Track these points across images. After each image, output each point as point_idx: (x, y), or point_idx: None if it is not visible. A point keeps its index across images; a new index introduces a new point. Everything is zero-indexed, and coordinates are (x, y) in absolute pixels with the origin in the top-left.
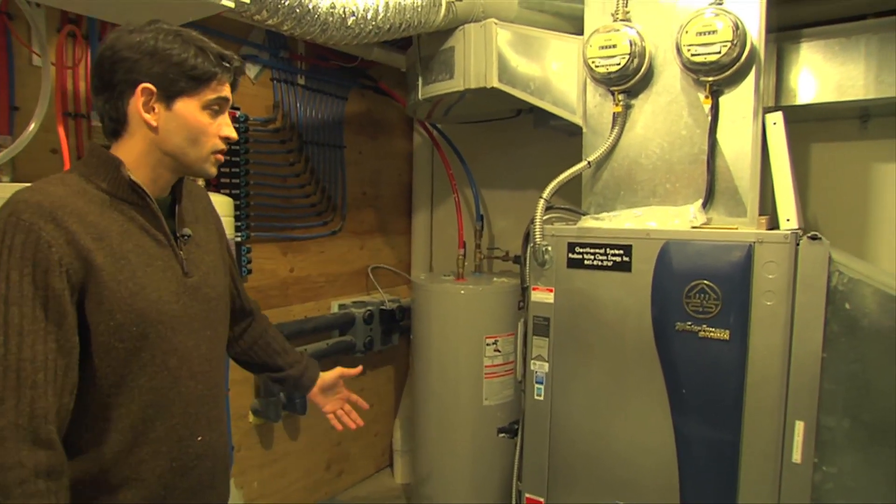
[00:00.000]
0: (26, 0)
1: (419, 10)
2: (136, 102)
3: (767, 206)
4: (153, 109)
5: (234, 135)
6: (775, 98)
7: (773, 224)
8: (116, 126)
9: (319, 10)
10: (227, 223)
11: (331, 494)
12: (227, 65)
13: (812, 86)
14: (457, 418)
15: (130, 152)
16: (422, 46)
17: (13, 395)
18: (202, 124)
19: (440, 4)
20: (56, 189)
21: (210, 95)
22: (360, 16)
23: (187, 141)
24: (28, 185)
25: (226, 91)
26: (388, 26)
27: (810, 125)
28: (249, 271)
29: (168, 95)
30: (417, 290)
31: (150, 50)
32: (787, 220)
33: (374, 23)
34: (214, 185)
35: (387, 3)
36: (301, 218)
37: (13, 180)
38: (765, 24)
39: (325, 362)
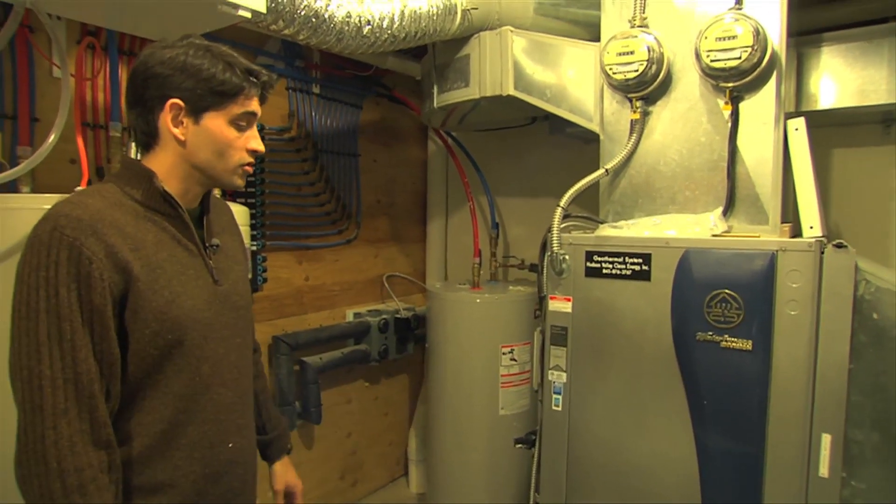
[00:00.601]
0: (46, 12)
1: (434, 18)
2: (166, 117)
3: (790, 214)
4: (182, 124)
5: (261, 148)
6: (795, 103)
7: (796, 232)
8: (148, 139)
9: (335, 19)
10: (244, 232)
11: (345, 503)
12: (255, 80)
13: (833, 90)
14: (472, 427)
15: (162, 165)
16: (437, 54)
17: (75, 405)
18: (229, 138)
19: (455, 12)
20: (94, 201)
21: (237, 110)
22: (375, 24)
23: (214, 154)
24: (66, 196)
25: (253, 106)
26: (403, 35)
27: (832, 130)
28: (265, 280)
29: (196, 110)
30: (432, 299)
31: (179, 66)
32: (811, 227)
33: (389, 31)
34: (230, 194)
35: (402, 12)
36: (316, 226)
37: (33, 191)
38: (786, 28)
39: (340, 371)
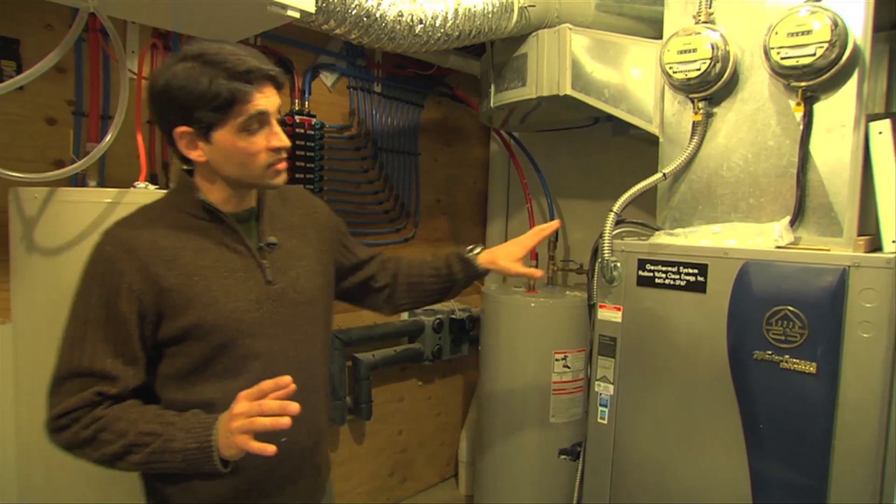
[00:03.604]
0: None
1: (489, 16)
2: (180, 144)
3: (870, 226)
4: (196, 146)
5: (282, 143)
6: (886, 104)
7: (875, 246)
8: (182, 158)
9: (387, 18)
10: None
11: (393, 501)
12: (247, 81)
13: None
14: (522, 433)
15: (202, 177)
16: (495, 53)
17: (73, 381)
18: (243, 148)
19: (512, 10)
20: (139, 219)
21: (240, 118)
22: (428, 23)
23: (236, 166)
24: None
25: (259, 105)
26: (457, 33)
27: None
28: None
29: (202, 131)
30: (487, 301)
31: (172, 93)
32: (893, 241)
33: (442, 30)
34: None
35: (456, 10)
36: (374, 224)
37: (100, 184)
38: (871, 21)
39: (393, 369)
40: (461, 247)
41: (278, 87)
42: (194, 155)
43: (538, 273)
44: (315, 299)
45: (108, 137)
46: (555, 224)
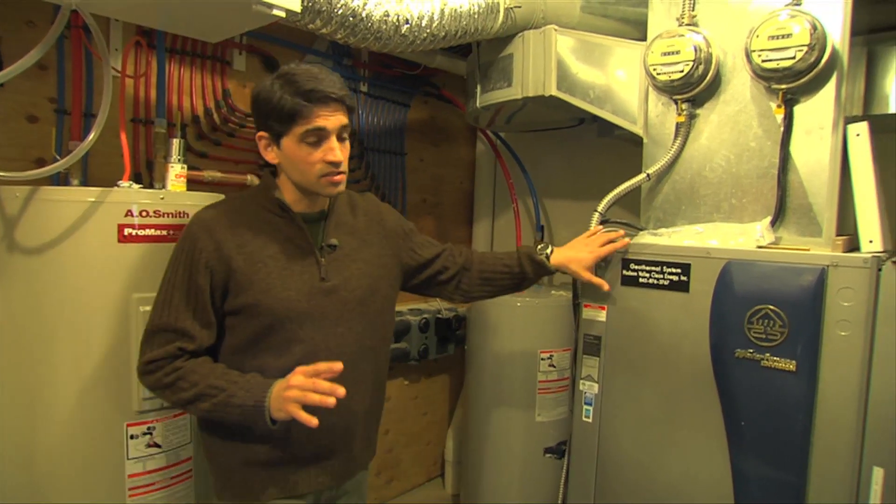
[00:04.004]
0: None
1: (475, 17)
2: (261, 146)
3: (848, 227)
4: (271, 150)
5: (335, 158)
6: (864, 106)
7: (853, 246)
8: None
9: (373, 18)
10: None
11: (380, 501)
12: (307, 99)
13: None
14: (508, 432)
15: (281, 178)
16: (481, 54)
17: (162, 344)
18: (301, 156)
19: (498, 11)
20: (223, 207)
21: (300, 130)
22: (414, 23)
23: (297, 172)
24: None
25: (318, 122)
26: (443, 34)
27: None
28: None
29: (276, 137)
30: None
31: (259, 101)
32: (870, 241)
33: (428, 30)
34: None
35: (442, 11)
36: None
37: (83, 183)
38: (849, 25)
39: None
40: (532, 246)
41: (347, 109)
42: (269, 157)
43: (606, 286)
44: (365, 299)
45: (91, 135)
46: (627, 240)
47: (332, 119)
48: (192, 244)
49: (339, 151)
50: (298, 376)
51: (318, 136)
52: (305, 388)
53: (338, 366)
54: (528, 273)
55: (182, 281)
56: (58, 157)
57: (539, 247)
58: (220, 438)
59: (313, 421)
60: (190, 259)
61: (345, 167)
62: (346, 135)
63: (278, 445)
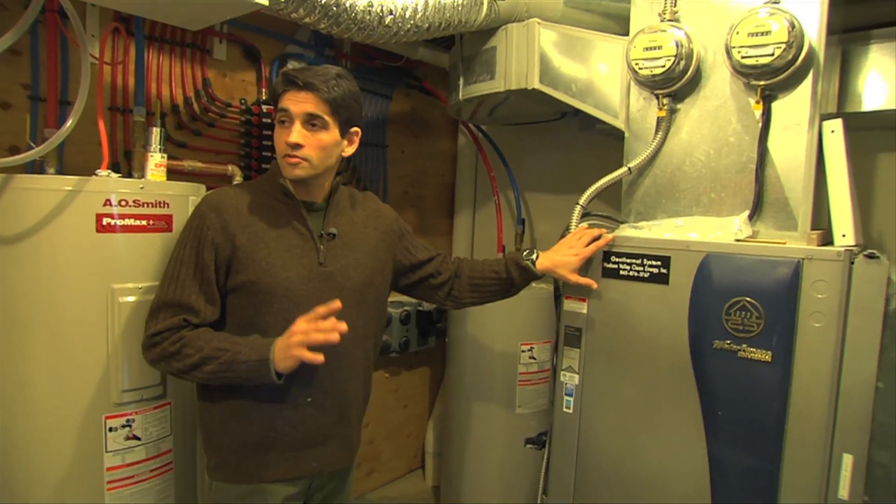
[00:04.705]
0: None
1: (459, 8)
2: None
3: (823, 221)
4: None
5: (290, 139)
6: (838, 104)
7: (827, 240)
8: None
9: (356, 8)
10: None
11: (360, 493)
12: (283, 82)
13: (881, 91)
14: (488, 424)
15: None
16: (464, 46)
17: (167, 309)
18: (276, 136)
19: (481, 3)
20: (231, 190)
21: (275, 110)
22: (398, 14)
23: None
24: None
25: (284, 103)
26: (426, 25)
27: (878, 134)
28: None
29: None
30: None
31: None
32: (843, 235)
33: (412, 21)
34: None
35: (426, 2)
36: None
37: (59, 172)
38: (826, 24)
39: None
40: (518, 251)
41: (324, 101)
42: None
43: (595, 285)
44: (361, 288)
45: (69, 122)
46: (609, 237)
47: (299, 105)
48: (200, 222)
49: (296, 134)
50: (300, 323)
51: (285, 118)
52: (308, 332)
53: (336, 304)
54: (515, 279)
55: (189, 257)
56: (32, 145)
57: (525, 252)
58: (219, 418)
59: (319, 357)
60: (197, 236)
61: (306, 153)
62: (316, 123)
63: (275, 428)
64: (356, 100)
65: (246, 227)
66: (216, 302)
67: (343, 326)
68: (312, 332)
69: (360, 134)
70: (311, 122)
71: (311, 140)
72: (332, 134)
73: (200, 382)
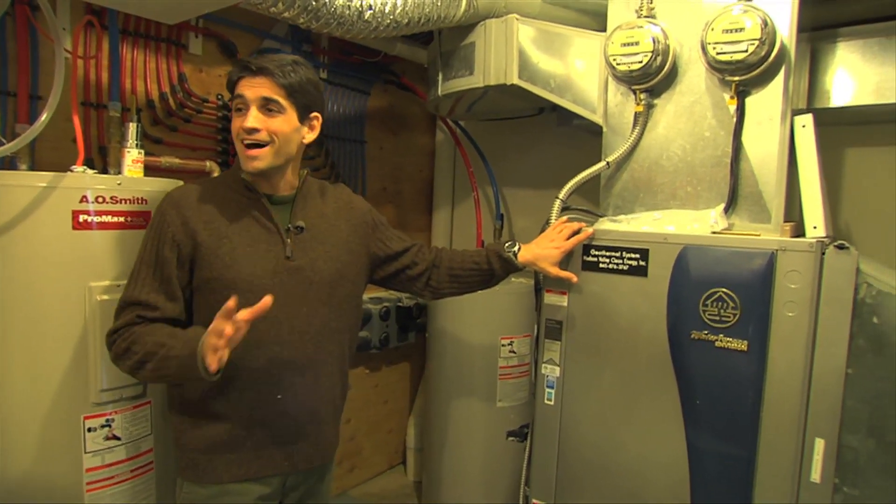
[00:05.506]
0: None
1: (438, 4)
2: None
3: (794, 213)
4: None
5: (245, 124)
6: (808, 100)
7: (799, 231)
8: None
9: (335, 3)
10: None
11: (342, 489)
12: (238, 69)
13: (848, 87)
14: (470, 418)
15: None
16: (443, 41)
17: (126, 308)
18: (233, 125)
19: None
20: (193, 187)
21: (233, 99)
22: (377, 10)
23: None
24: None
25: (240, 89)
26: (406, 20)
27: (845, 129)
28: None
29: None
30: None
31: None
32: (814, 227)
33: (391, 17)
34: None
35: None
36: None
37: (31, 168)
38: (797, 21)
39: None
40: (499, 243)
41: (278, 85)
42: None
43: (575, 279)
44: (331, 281)
45: (43, 117)
46: (590, 231)
47: (254, 90)
48: (161, 219)
49: (252, 119)
50: (216, 320)
51: (241, 105)
52: (220, 329)
53: (266, 300)
54: (496, 270)
55: (150, 255)
56: (4, 141)
57: (507, 244)
58: (187, 419)
59: (212, 366)
60: (158, 234)
61: (263, 137)
62: (273, 107)
63: (244, 426)
64: (315, 87)
65: (208, 223)
66: (177, 299)
67: (267, 301)
68: (225, 328)
69: (320, 119)
70: (268, 106)
71: (268, 124)
72: (290, 119)
73: (149, 382)
